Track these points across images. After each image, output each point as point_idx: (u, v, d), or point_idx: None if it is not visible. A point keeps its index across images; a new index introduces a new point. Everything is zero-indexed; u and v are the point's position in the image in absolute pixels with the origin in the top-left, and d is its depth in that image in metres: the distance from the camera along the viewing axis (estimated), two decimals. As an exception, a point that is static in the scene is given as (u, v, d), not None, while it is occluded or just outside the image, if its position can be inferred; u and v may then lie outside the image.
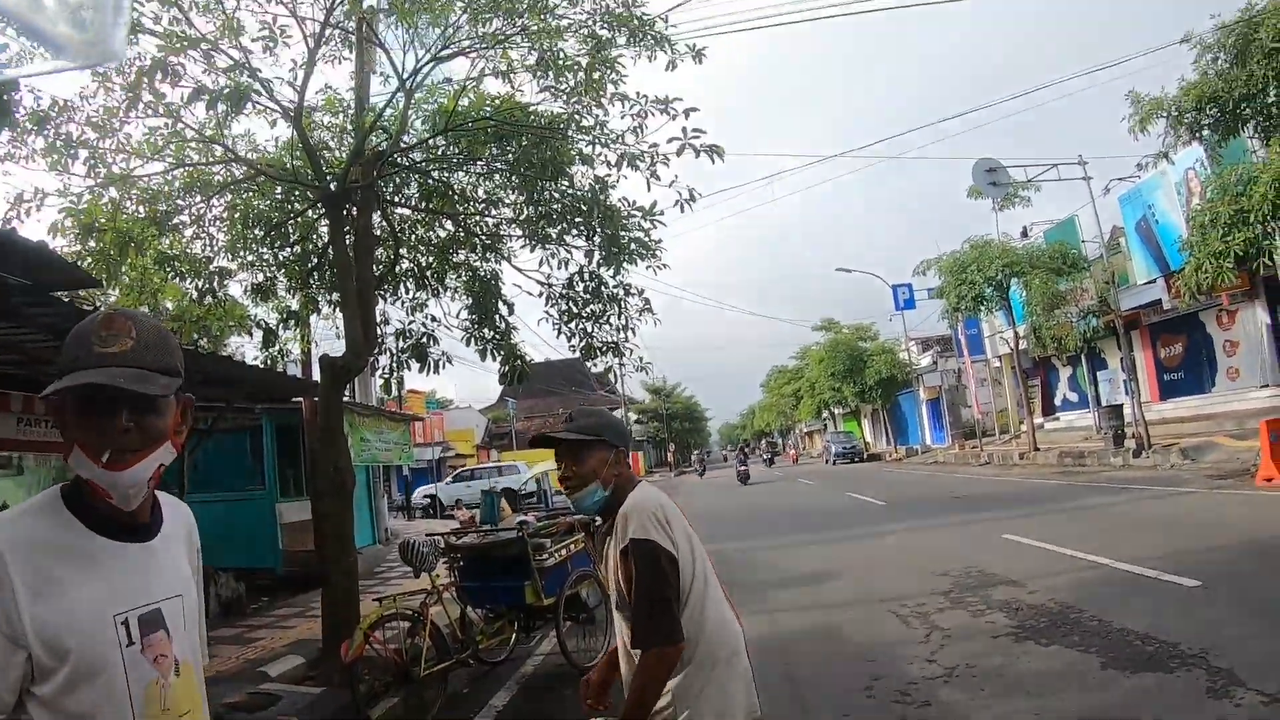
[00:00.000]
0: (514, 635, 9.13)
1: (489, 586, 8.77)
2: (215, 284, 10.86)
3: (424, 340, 11.40)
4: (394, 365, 11.54)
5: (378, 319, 11.78)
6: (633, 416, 71.79)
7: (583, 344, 11.06)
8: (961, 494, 22.09)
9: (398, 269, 11.19)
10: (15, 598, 1.60)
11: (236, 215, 10.60)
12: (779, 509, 25.13)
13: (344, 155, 9.69)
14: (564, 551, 8.98)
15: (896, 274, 43.83)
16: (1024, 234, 32.16)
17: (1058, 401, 37.04)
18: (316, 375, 11.97)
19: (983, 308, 30.64)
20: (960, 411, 45.51)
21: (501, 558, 8.68)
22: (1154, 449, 20.88)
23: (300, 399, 15.36)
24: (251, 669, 8.74)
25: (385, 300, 11.69)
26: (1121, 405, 24.58)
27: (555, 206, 9.68)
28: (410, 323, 11.56)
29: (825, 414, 63.67)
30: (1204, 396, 26.17)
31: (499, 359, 11.04)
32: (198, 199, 10.26)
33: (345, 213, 9.48)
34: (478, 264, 11.20)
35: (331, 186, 9.17)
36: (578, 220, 9.90)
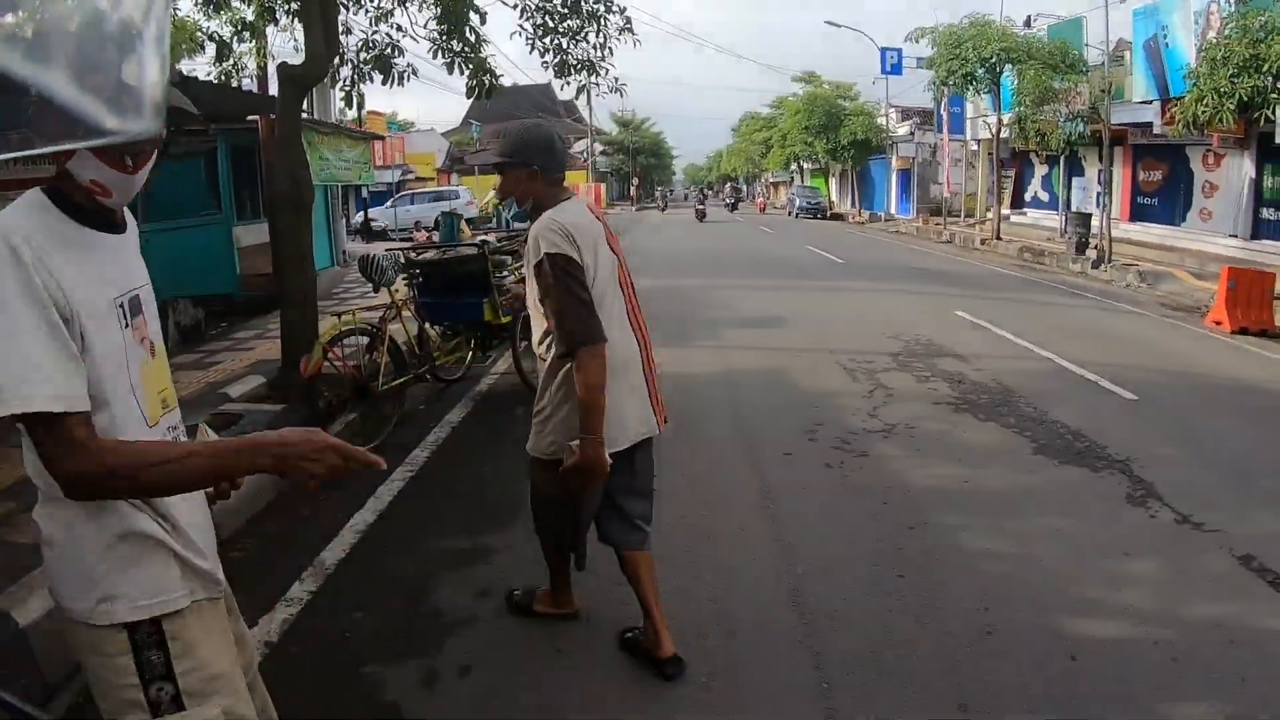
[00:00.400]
0: (470, 354, 9.21)
1: (447, 303, 8.62)
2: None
3: (388, 51, 10.78)
4: (355, 77, 10.95)
5: (339, 29, 11.20)
6: (598, 148, 70.32)
7: (556, 60, 10.57)
8: (920, 266, 22.14)
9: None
10: (57, 277, 1.69)
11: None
12: (738, 254, 25.22)
13: None
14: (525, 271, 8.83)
15: (886, 39, 42.00)
16: (1027, 23, 30.67)
17: (1027, 197, 36.31)
18: (275, 91, 11.48)
19: (971, 87, 29.39)
20: (930, 187, 44.71)
21: (461, 274, 8.47)
22: (1113, 265, 20.72)
23: (257, 118, 14.88)
24: (212, 391, 8.69)
25: (348, 10, 11.04)
26: (1090, 215, 24.07)
27: None
28: (374, 32, 10.91)
29: (794, 167, 62.72)
30: (1172, 228, 25.79)
31: (466, 73, 10.49)
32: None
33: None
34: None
35: None
36: None
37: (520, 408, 7.47)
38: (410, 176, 49.99)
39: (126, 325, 1.86)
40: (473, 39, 10.41)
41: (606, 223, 3.60)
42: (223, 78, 11.00)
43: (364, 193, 34.62)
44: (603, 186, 65.44)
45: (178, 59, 14.09)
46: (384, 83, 10.87)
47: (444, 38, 10.40)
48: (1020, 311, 14.41)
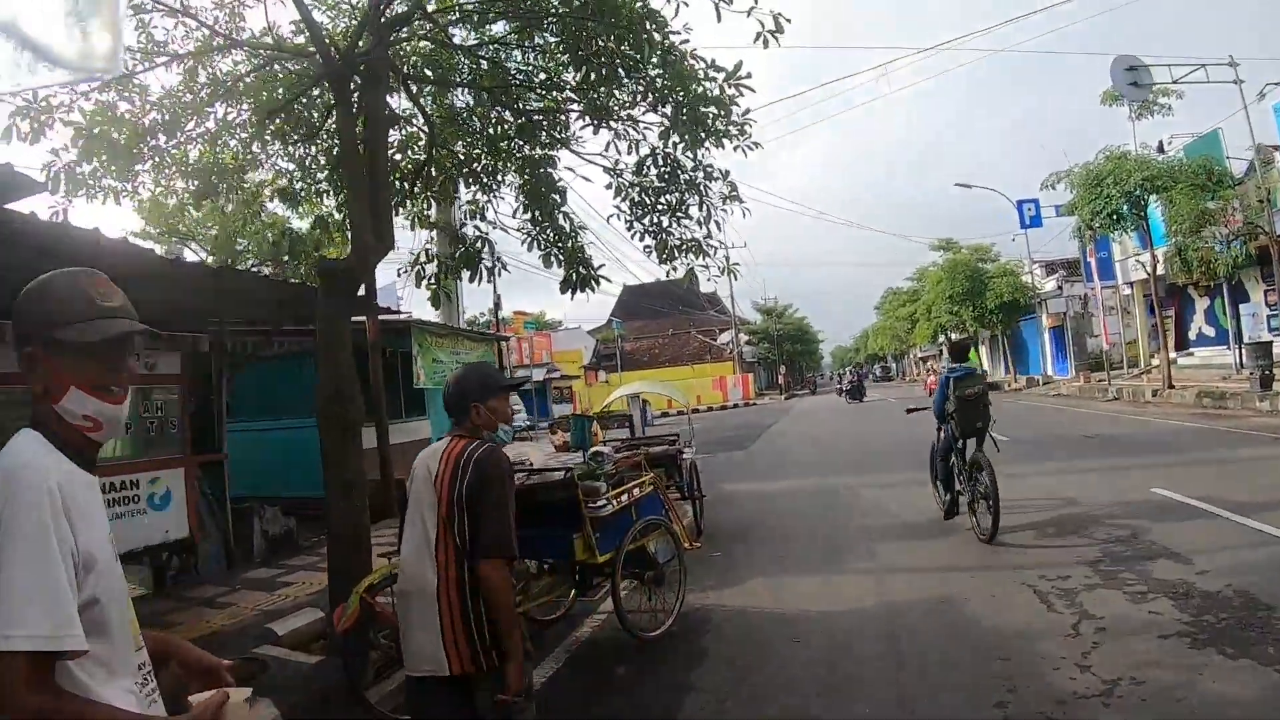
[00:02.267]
0: (571, 592, 7.77)
1: (534, 536, 7.18)
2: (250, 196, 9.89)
3: (477, 246, 9.89)
4: (442, 274, 10.09)
5: (430, 223, 10.51)
6: (743, 338, 69.95)
7: (657, 243, 9.39)
8: (1094, 433, 19.60)
9: (446, 164, 9.73)
10: (73, 526, 1.80)
11: (247, 107, 9.26)
12: (887, 439, 22.78)
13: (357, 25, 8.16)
14: (626, 497, 7.39)
15: (1017, 192, 40.81)
16: (1160, 149, 29.02)
17: (1192, 336, 33.36)
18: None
19: (1118, 227, 27.29)
20: (1086, 341, 42.15)
21: (548, 503, 7.12)
22: (1308, 395, 18.14)
23: (363, 318, 14.48)
24: (262, 623, 7.58)
25: (438, 203, 10.36)
26: (1270, 344, 21.68)
27: (601, 56, 7.79)
28: (462, 226, 10.10)
29: (941, 339, 60.83)
30: (1364, 339, 22.74)
31: (559, 263, 9.47)
32: (204, 94, 8.99)
33: (354, 90, 7.99)
34: (530, 150, 9.51)
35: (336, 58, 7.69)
36: (633, 76, 8.05)
37: (623, 665, 6.67)
38: (556, 375, 50.06)
39: (118, 562, 1.97)
40: (566, 227, 9.45)
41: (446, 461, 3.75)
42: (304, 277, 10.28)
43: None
44: (750, 377, 64.77)
45: (263, 257, 13.99)
46: (471, 279, 10.00)
47: (536, 227, 9.48)
48: (1227, 476, 11.88)
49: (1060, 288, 43.97)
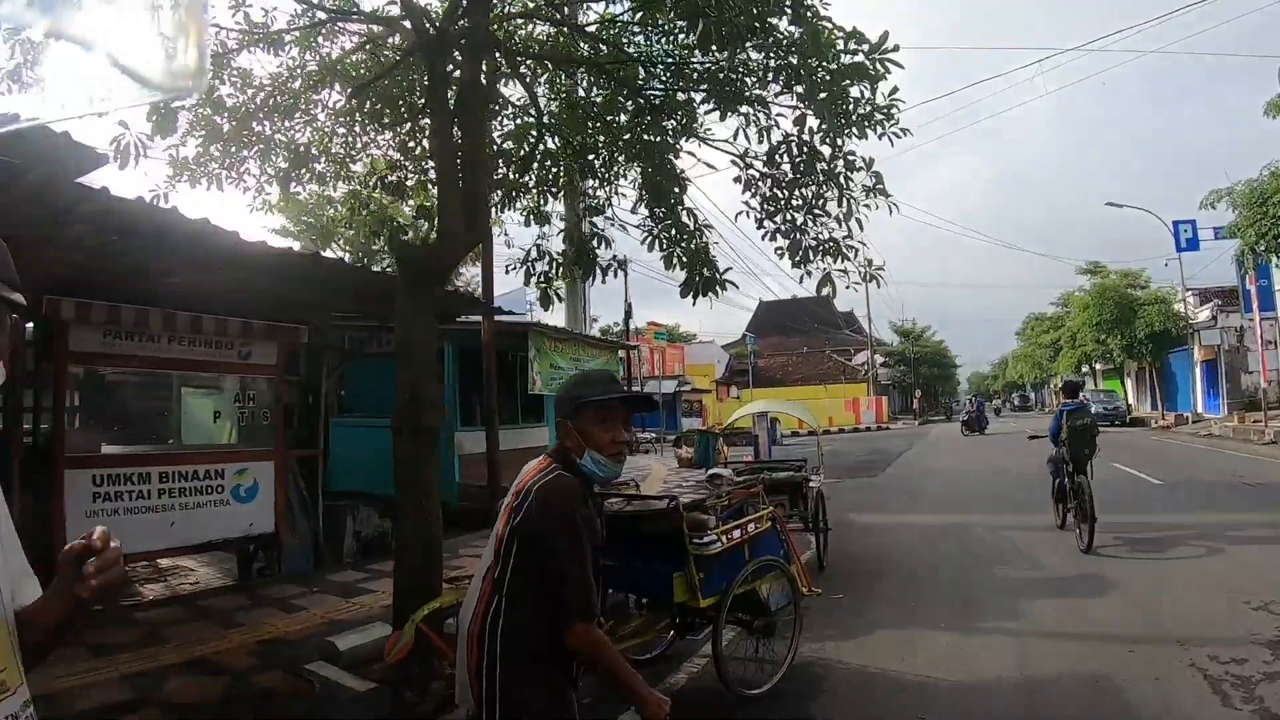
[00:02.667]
0: (665, 635, 6.88)
1: (630, 569, 6.42)
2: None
3: (591, 242, 9.17)
4: (554, 272, 9.38)
5: (544, 217, 9.83)
6: (879, 359, 68.03)
7: (789, 243, 8.40)
8: (1252, 480, 17.68)
9: (560, 155, 9.06)
10: None
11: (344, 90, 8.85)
12: (1027, 471, 21.11)
13: None
14: (739, 532, 6.35)
15: (1177, 212, 38.16)
16: None
17: None
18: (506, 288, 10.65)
19: None
20: (1240, 377, 39.18)
21: (649, 533, 6.29)
22: None
23: (479, 318, 14.05)
24: (324, 635, 7.02)
25: (552, 197, 9.69)
26: None
27: (724, 28, 6.90)
28: (578, 221, 9.43)
29: (1085, 369, 57.59)
30: None
31: (682, 264, 8.64)
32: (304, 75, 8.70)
33: (452, 68, 7.40)
34: (651, 137, 8.66)
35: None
36: (763, 38, 7.13)
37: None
38: (687, 388, 49.37)
39: None
40: (690, 225, 8.63)
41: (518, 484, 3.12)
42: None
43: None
44: (884, 400, 62.80)
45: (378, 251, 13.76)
46: (584, 278, 9.28)
47: (658, 223, 8.69)
48: None
49: (1215, 318, 41.20)
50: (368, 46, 8.68)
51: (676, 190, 8.39)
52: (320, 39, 8.71)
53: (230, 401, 10.01)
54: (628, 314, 31.71)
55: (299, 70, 8.69)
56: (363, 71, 8.66)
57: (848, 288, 8.84)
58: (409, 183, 9.72)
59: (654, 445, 32.76)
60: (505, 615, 2.95)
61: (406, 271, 6.63)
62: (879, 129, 7.38)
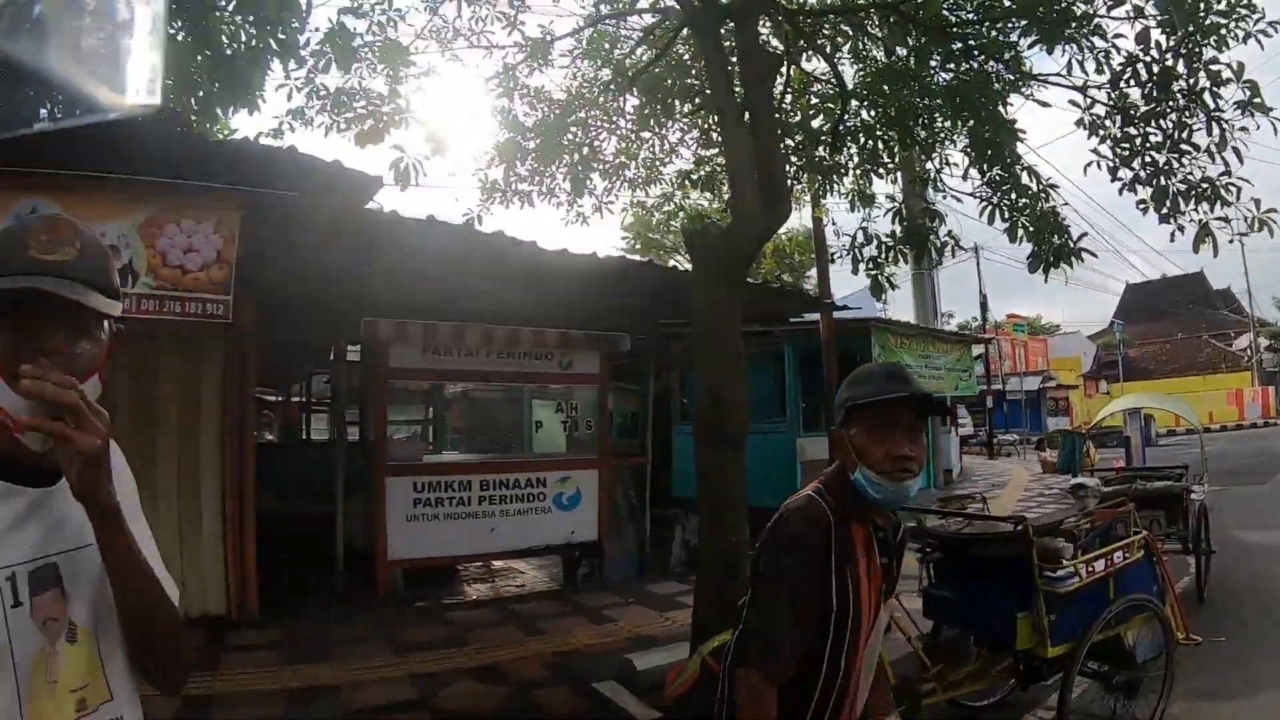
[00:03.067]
0: (1006, 680, 5.68)
1: (967, 602, 5.40)
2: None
3: (921, 220, 8.18)
4: (883, 256, 8.45)
5: (869, 198, 8.95)
6: (1263, 342, 58.69)
7: (1152, 191, 6.89)
8: None
9: (875, 127, 8.17)
10: None
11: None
12: None
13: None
14: (1103, 564, 5.11)
15: None
16: None
17: None
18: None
19: None
20: None
21: (990, 559, 5.25)
22: None
23: (817, 317, 13.39)
24: (626, 651, 6.62)
25: (879, 176, 8.81)
26: None
27: None
28: (905, 199, 8.44)
29: None
30: None
31: (1028, 234, 7.46)
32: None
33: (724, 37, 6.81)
34: (968, 86, 7.48)
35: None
36: None
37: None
38: (1051, 384, 45.83)
39: (18, 603, 1.44)
40: (1033, 185, 7.43)
41: None
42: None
43: (989, 402, 31.32)
44: (1270, 390, 54.08)
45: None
46: (918, 260, 8.31)
47: (993, 190, 7.58)
48: None
49: None
50: (652, 36, 8.31)
51: (1011, 147, 7.21)
52: (606, 45, 8.57)
53: (552, 411, 10.00)
54: (983, 306, 29.81)
55: (592, 80, 8.63)
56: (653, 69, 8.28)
57: (1231, 241, 7.08)
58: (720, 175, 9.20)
59: (1016, 447, 30.42)
60: (733, 652, 2.50)
61: (699, 262, 6.01)
62: (1239, 30, 5.90)
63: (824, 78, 8.56)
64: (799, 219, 14.44)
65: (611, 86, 8.46)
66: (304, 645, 6.81)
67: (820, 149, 8.40)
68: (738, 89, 6.51)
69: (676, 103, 8.52)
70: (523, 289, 9.04)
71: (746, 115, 6.37)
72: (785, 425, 14.52)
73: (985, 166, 7.50)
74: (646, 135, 9.22)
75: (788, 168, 8.70)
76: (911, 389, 2.30)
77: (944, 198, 8.52)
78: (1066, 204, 7.71)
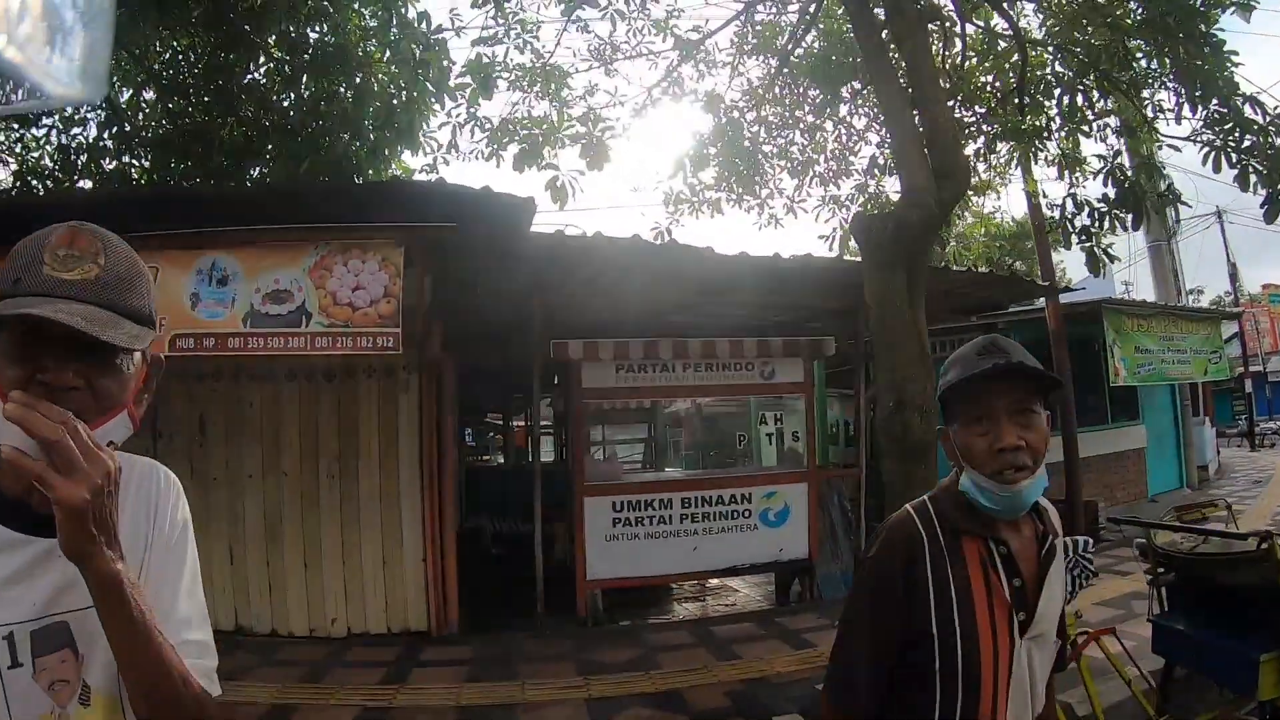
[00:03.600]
0: None
1: (1201, 637, 4.58)
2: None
3: (1135, 178, 7.38)
4: (1096, 224, 7.68)
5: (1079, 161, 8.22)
6: None
7: None
8: None
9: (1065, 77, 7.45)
10: None
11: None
12: None
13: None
14: None
15: None
16: None
17: None
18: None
19: None
20: None
21: (1231, 587, 4.45)
22: None
23: (1043, 303, 12.49)
24: (819, 679, 6.06)
25: (1089, 134, 8.09)
26: None
27: None
28: (1114, 156, 7.65)
29: None
30: None
31: (1261, 177, 6.58)
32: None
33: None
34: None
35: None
36: None
37: None
38: (1322, 362, 41.54)
39: (16, 664, 1.30)
40: (1259, 118, 6.56)
41: None
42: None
43: (1247, 385, 28.49)
44: None
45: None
46: (1135, 224, 7.50)
47: (1214, 131, 6.76)
48: None
49: None
50: (808, 15, 7.99)
51: (1225, 75, 6.39)
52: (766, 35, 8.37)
53: (750, 421, 9.65)
54: (1232, 275, 27.16)
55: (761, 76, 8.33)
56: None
57: None
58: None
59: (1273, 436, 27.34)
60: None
61: (866, 247, 5.53)
62: None
63: (1005, 34, 7.90)
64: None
65: (778, 77, 8.15)
66: (494, 663, 6.82)
67: (1012, 111, 7.76)
68: (893, 53, 6.04)
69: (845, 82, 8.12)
70: (720, 300, 8.86)
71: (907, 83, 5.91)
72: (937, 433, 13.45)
73: (1200, 102, 6.69)
74: (830, 126, 8.84)
75: (978, 137, 8.13)
76: (1005, 358, 1.86)
77: (1159, 149, 7.71)
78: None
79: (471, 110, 8.11)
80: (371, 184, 7.78)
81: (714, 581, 10.37)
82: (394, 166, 11.59)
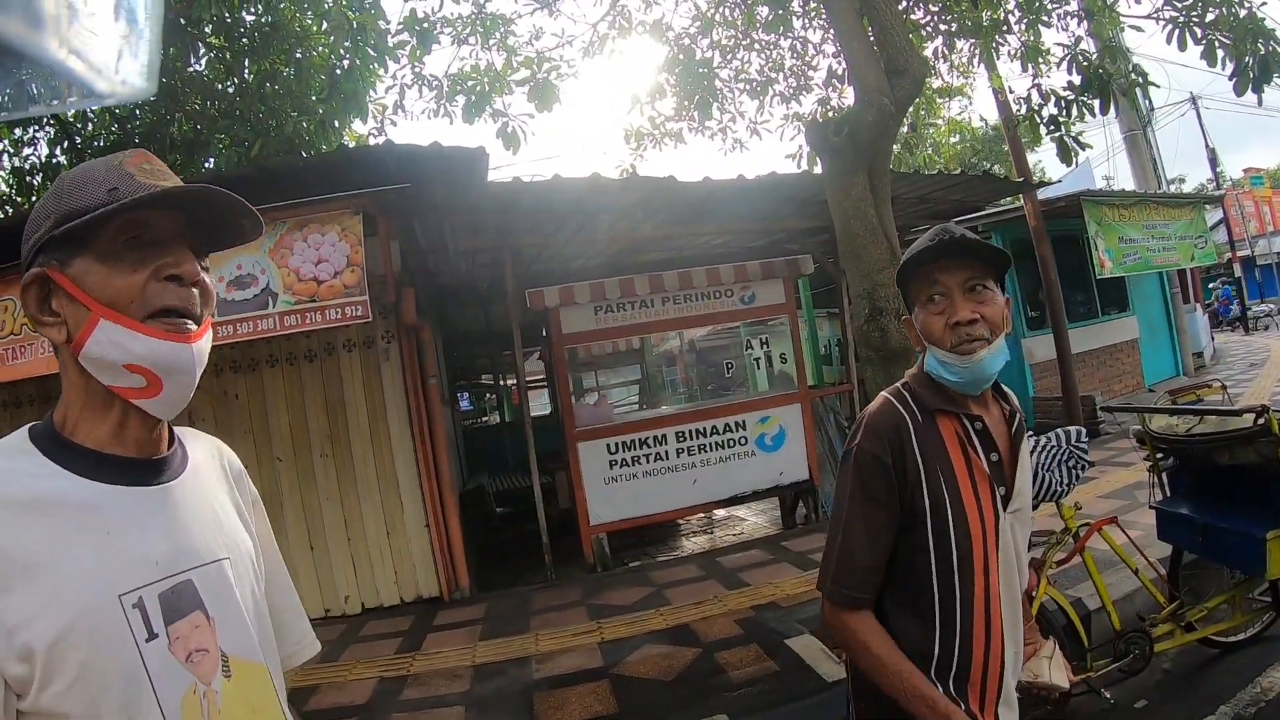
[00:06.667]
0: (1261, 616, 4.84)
1: (1204, 523, 4.48)
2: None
3: (1099, 63, 7.24)
4: (1065, 113, 7.54)
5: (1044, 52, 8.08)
6: None
7: None
8: None
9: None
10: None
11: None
12: None
13: None
14: None
15: None
16: None
17: None
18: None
19: None
20: None
21: (1232, 466, 4.32)
22: None
23: (1020, 200, 12.39)
24: (796, 614, 6.26)
25: (1050, 24, 7.92)
26: None
27: None
28: (1076, 43, 7.50)
29: None
30: None
31: (1229, 50, 6.45)
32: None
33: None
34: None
35: None
36: None
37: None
38: (1300, 244, 41.51)
39: (151, 636, 1.15)
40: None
41: None
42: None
43: (1236, 270, 28.39)
44: None
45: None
46: (1103, 109, 7.38)
47: (1183, 9, 6.64)
48: None
49: None
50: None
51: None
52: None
53: (739, 349, 9.58)
54: (1212, 160, 26.95)
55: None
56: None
57: None
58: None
59: (1274, 319, 27.29)
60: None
61: (824, 153, 5.40)
62: None
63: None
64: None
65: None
66: (506, 619, 6.83)
67: (968, 7, 7.63)
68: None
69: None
70: (694, 230, 8.77)
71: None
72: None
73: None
74: (785, 44, 8.69)
75: (936, 36, 8.02)
76: (951, 236, 1.92)
77: (1122, 32, 7.57)
78: (1266, 2, 6.63)
79: (416, 69, 7.98)
80: (320, 157, 7.65)
81: (721, 513, 10.43)
82: (346, 137, 11.50)
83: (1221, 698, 4.33)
